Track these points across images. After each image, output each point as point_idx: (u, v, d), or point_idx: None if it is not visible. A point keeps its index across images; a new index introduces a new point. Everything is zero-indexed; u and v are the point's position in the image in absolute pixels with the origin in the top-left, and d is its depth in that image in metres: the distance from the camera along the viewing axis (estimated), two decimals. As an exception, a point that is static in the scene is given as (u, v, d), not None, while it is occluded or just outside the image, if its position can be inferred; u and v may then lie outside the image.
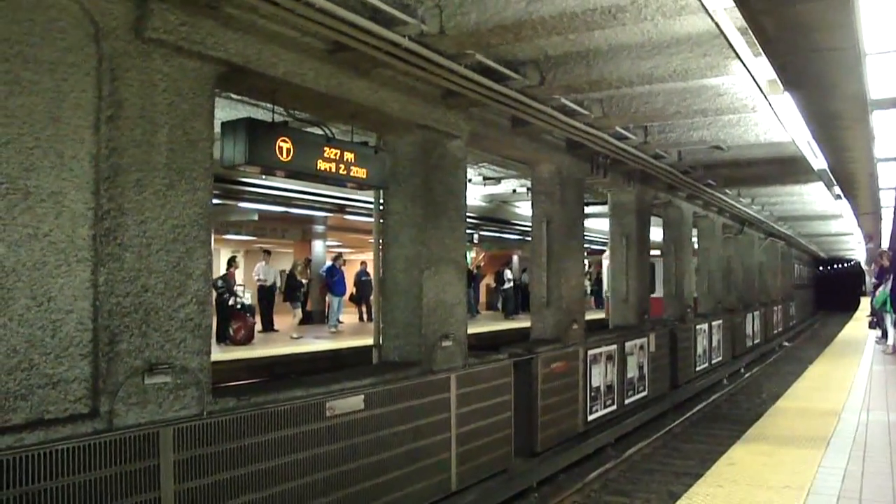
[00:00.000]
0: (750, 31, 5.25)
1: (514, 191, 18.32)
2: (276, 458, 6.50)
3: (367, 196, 12.36)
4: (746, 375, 22.39)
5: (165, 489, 5.51)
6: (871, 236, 27.11)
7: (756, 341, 27.57)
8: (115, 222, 5.32)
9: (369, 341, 9.48)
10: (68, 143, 5.07)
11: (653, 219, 17.41)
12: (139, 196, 5.49)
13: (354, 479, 7.36)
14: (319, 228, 26.29)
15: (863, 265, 49.89)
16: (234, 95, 8.21)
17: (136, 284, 5.46)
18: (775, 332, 32.68)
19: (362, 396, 7.50)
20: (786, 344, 32.49)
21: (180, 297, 5.78)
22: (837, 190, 15.27)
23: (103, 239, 5.25)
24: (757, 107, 9.66)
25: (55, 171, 4.99)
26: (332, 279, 21.10)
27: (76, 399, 5.11)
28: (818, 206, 22.61)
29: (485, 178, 16.87)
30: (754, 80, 7.21)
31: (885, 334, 17.90)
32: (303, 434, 6.79)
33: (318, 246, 27.24)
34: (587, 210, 14.10)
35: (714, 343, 21.22)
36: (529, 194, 13.40)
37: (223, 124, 6.99)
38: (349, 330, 20.59)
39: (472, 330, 10.44)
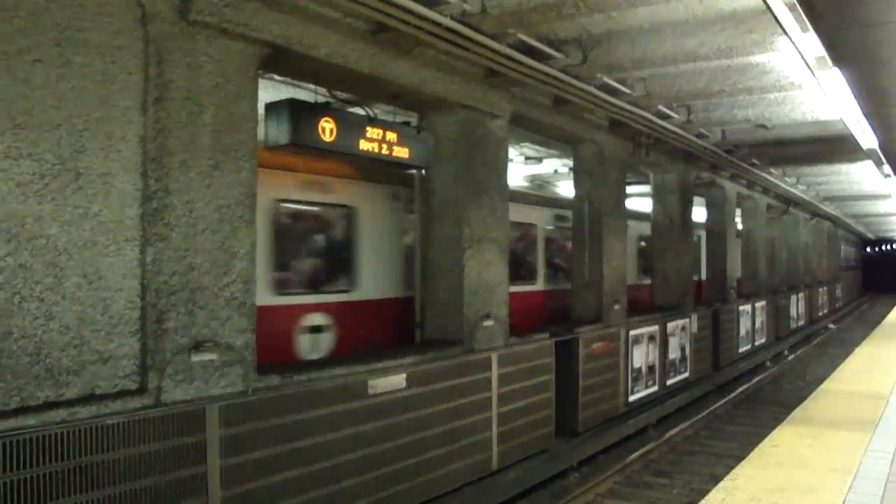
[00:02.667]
0: (798, 7, 5.15)
1: (556, 171, 18.20)
2: (319, 435, 6.59)
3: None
4: (790, 358, 22.08)
5: (211, 464, 5.63)
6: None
7: (801, 323, 27.17)
8: (161, 202, 5.42)
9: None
10: (117, 124, 5.16)
11: (696, 199, 17.20)
12: (185, 176, 5.58)
13: (396, 457, 7.44)
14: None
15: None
16: (277, 77, 8.26)
17: (182, 263, 5.56)
18: (820, 313, 32.15)
19: (404, 375, 7.56)
20: (831, 326, 31.95)
21: (226, 275, 5.87)
22: (887, 169, 14.95)
23: (150, 219, 5.35)
24: (804, 84, 9.48)
25: (104, 153, 5.08)
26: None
27: (125, 375, 5.23)
28: (866, 185, 22.14)
29: (526, 158, 16.78)
30: (802, 56, 7.07)
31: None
32: (345, 412, 6.87)
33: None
34: (628, 190, 13.97)
35: (757, 325, 20.96)
36: (571, 174, 13.32)
37: (267, 105, 7.05)
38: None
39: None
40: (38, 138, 4.72)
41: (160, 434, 5.28)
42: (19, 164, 4.62)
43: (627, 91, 10.32)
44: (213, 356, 5.75)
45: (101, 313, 5.08)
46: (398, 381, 7.49)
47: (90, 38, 4.99)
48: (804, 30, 6.23)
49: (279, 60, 6.67)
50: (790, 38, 6.57)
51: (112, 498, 4.97)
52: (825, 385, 10.58)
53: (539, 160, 16.78)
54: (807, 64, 7.32)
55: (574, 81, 9.24)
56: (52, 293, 4.80)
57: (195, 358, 5.63)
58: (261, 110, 6.65)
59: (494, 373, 8.98)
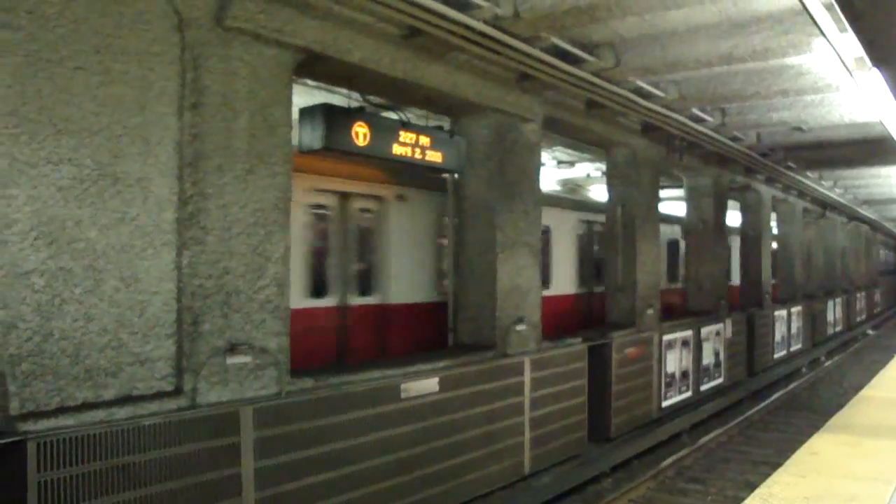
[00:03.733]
0: (836, 6, 5.08)
1: (588, 175, 18.12)
2: (352, 438, 6.62)
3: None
4: (827, 364, 21.73)
5: (245, 466, 5.68)
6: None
7: (838, 329, 26.74)
8: (197, 206, 5.48)
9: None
10: (154, 130, 5.24)
11: (730, 202, 17.03)
12: (220, 181, 5.64)
13: (428, 461, 7.45)
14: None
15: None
16: (310, 82, 8.32)
17: (217, 267, 5.62)
18: (858, 319, 31.60)
19: (437, 379, 7.57)
20: (870, 332, 31.38)
21: (260, 279, 5.92)
22: (928, 172, 14.69)
23: (186, 223, 5.42)
24: (841, 86, 9.35)
25: (142, 158, 5.16)
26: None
27: (162, 377, 5.30)
28: (906, 188, 21.78)
29: (559, 162, 16.73)
30: (839, 57, 6.98)
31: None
32: (378, 415, 6.89)
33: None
34: (661, 193, 13.87)
35: (793, 330, 20.68)
36: (604, 178, 13.27)
37: (301, 110, 7.10)
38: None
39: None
40: (78, 144, 4.80)
41: (195, 435, 5.34)
42: (60, 169, 4.71)
43: (661, 94, 10.25)
44: (248, 359, 5.80)
45: (138, 316, 5.15)
46: (431, 384, 7.50)
47: (128, 45, 5.07)
48: (842, 30, 6.14)
49: (313, 65, 6.73)
50: (827, 39, 6.49)
51: (149, 498, 5.03)
52: (864, 391, 10.37)
53: (571, 164, 16.72)
54: (845, 65, 7.22)
55: (607, 85, 9.20)
56: (91, 296, 4.88)
57: (230, 360, 5.68)
58: (295, 115, 6.70)
59: (527, 377, 8.96)
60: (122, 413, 4.96)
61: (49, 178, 4.66)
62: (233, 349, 5.71)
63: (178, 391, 5.36)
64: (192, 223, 5.45)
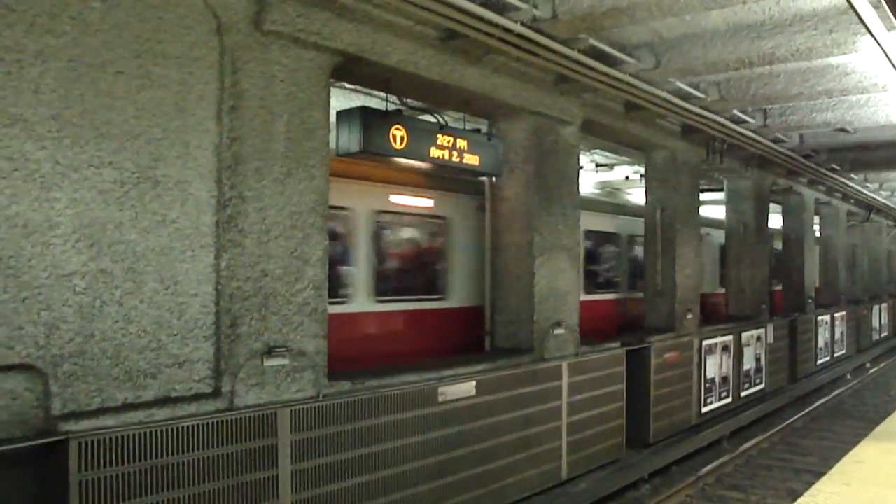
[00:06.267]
0: (884, 4, 4.97)
1: (627, 177, 17.98)
2: (389, 441, 6.62)
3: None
4: (872, 370, 21.29)
5: (283, 468, 5.70)
6: None
7: (883, 335, 26.22)
8: (236, 209, 5.52)
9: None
10: (193, 133, 5.28)
11: (772, 206, 16.79)
12: (259, 184, 5.67)
13: (465, 465, 7.43)
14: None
15: None
16: (347, 85, 8.35)
17: (255, 269, 5.65)
18: (904, 325, 30.99)
19: (474, 382, 7.54)
20: (917, 338, 30.73)
21: (298, 282, 5.94)
22: (977, 174, 14.34)
23: (225, 225, 5.45)
24: (888, 86, 9.16)
25: (181, 161, 5.20)
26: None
27: (200, 379, 5.33)
28: (955, 191, 21.29)
29: (597, 165, 16.61)
30: (887, 56, 6.84)
31: None
32: (415, 418, 6.88)
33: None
34: (702, 197, 13.70)
35: (837, 336, 20.32)
36: (643, 181, 13.13)
37: (338, 113, 7.12)
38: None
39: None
40: (119, 147, 4.86)
41: (233, 437, 5.37)
42: (101, 172, 4.77)
43: (701, 96, 10.13)
44: (286, 361, 5.82)
45: (178, 318, 5.19)
46: (468, 388, 7.47)
47: (168, 49, 5.12)
48: (889, 28, 6.03)
49: (351, 69, 6.74)
50: (874, 38, 6.36)
51: (187, 499, 5.07)
52: (911, 399, 10.16)
53: (610, 167, 16.59)
54: (892, 64, 7.06)
55: (646, 87, 9.11)
56: (131, 297, 4.92)
57: (268, 363, 5.71)
58: (332, 118, 6.73)
59: (565, 381, 8.89)
60: (161, 414, 5.01)
61: (91, 181, 4.72)
62: (270, 352, 5.73)
63: (216, 393, 5.40)
64: (230, 226, 5.48)
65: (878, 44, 6.50)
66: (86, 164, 4.69)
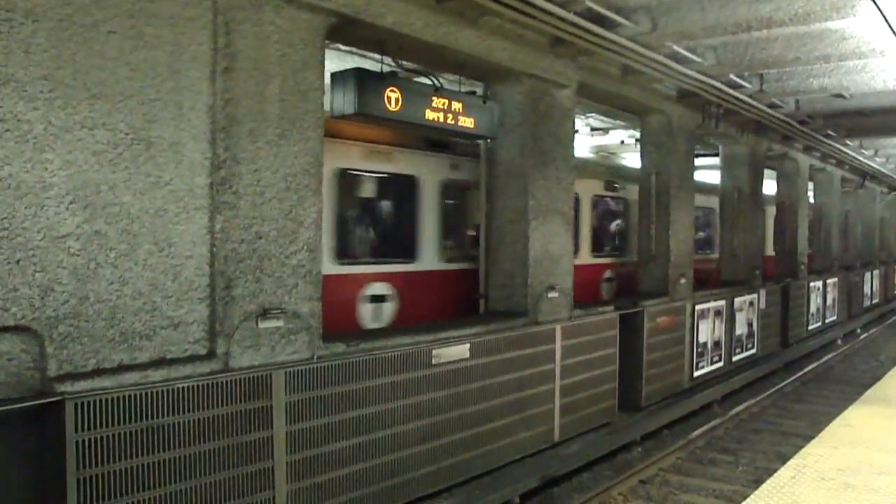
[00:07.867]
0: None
1: (622, 142, 17.93)
2: (383, 403, 6.67)
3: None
4: (863, 336, 21.48)
5: (277, 429, 5.74)
6: None
7: (874, 301, 26.38)
8: (230, 171, 5.49)
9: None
10: (186, 94, 5.24)
11: (766, 171, 16.77)
12: (253, 146, 5.64)
13: (459, 427, 7.50)
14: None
15: None
16: (342, 47, 8.27)
17: (250, 231, 5.64)
18: (896, 291, 31.18)
19: (468, 345, 7.58)
20: (907, 304, 30.93)
21: (292, 244, 5.94)
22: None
23: (219, 187, 5.43)
24: (886, 51, 9.10)
25: (174, 122, 5.17)
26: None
27: (195, 340, 5.35)
28: (950, 158, 21.27)
29: (592, 129, 16.55)
30: (886, 20, 6.80)
31: None
32: (409, 380, 6.93)
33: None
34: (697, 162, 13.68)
35: (828, 302, 20.43)
36: (637, 145, 13.10)
37: (333, 75, 7.06)
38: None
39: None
40: (112, 108, 4.82)
41: (228, 399, 5.41)
42: (94, 133, 4.73)
43: (698, 60, 10.06)
44: (280, 323, 5.84)
45: (172, 280, 5.19)
46: (462, 351, 7.52)
47: (161, 9, 5.06)
48: (888, -7, 5.98)
49: (345, 30, 6.67)
50: (874, 1, 6.31)
51: (182, 459, 5.12)
52: (900, 364, 10.25)
53: (605, 131, 16.54)
54: (891, 28, 7.02)
55: (643, 50, 9.04)
56: (126, 259, 4.92)
57: (262, 325, 5.73)
58: (327, 80, 6.67)
59: (558, 345, 8.95)
60: (156, 375, 5.04)
61: (84, 142, 4.69)
62: (265, 313, 5.75)
63: (210, 355, 5.42)
64: (224, 188, 5.46)
65: (878, 7, 6.46)
66: (78, 125, 4.66)
